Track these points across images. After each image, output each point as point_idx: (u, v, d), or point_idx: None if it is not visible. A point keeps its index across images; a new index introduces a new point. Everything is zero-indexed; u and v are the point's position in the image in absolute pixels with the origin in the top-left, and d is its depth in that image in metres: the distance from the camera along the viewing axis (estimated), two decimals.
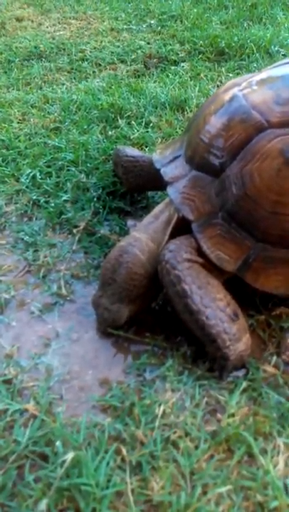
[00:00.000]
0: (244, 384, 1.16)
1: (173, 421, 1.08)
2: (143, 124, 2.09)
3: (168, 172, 1.40)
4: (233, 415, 1.10)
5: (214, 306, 1.17)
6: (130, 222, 1.66)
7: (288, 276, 1.23)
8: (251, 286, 1.24)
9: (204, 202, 1.28)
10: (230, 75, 2.52)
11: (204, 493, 0.96)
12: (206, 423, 1.09)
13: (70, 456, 0.98)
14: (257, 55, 2.69)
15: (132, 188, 1.73)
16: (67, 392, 1.17)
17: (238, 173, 1.23)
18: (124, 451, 1.02)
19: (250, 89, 1.34)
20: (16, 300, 1.40)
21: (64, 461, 0.98)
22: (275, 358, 1.24)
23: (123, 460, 1.01)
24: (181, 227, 1.30)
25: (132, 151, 1.72)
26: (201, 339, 1.19)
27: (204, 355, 1.22)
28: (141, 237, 1.31)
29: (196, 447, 1.04)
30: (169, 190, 1.34)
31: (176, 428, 1.07)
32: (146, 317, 1.34)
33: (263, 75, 1.40)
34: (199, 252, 1.25)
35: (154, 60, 2.72)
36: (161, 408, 1.10)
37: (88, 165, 1.86)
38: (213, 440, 1.05)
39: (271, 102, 1.26)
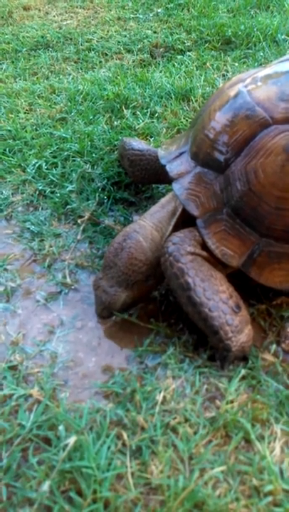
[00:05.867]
0: (243, 372, 1.19)
1: (173, 407, 1.11)
2: (148, 114, 2.10)
3: (173, 168, 1.41)
4: (231, 402, 1.12)
5: (217, 299, 1.19)
6: (136, 217, 1.68)
7: None
8: (255, 281, 1.26)
9: (209, 198, 1.30)
10: (237, 64, 2.51)
11: (202, 476, 0.99)
12: (205, 409, 1.12)
13: (72, 440, 1.01)
14: (264, 43, 2.67)
15: (138, 180, 1.75)
16: (71, 379, 1.20)
17: (243, 169, 1.24)
18: (124, 435, 1.05)
19: (254, 85, 1.34)
20: (21, 288, 1.43)
21: (66, 445, 1.01)
22: (274, 346, 1.26)
23: (124, 444, 1.05)
24: (187, 219, 1.32)
25: (138, 144, 1.73)
26: (203, 330, 1.21)
27: (205, 344, 1.24)
28: (146, 224, 1.34)
29: (195, 433, 1.07)
30: (175, 186, 1.36)
31: (176, 414, 1.10)
32: (149, 305, 1.37)
33: (268, 70, 1.41)
34: (203, 246, 1.27)
35: (161, 50, 2.71)
36: (162, 395, 1.13)
37: (93, 155, 1.87)
38: (212, 426, 1.08)
39: (275, 98, 1.27)
